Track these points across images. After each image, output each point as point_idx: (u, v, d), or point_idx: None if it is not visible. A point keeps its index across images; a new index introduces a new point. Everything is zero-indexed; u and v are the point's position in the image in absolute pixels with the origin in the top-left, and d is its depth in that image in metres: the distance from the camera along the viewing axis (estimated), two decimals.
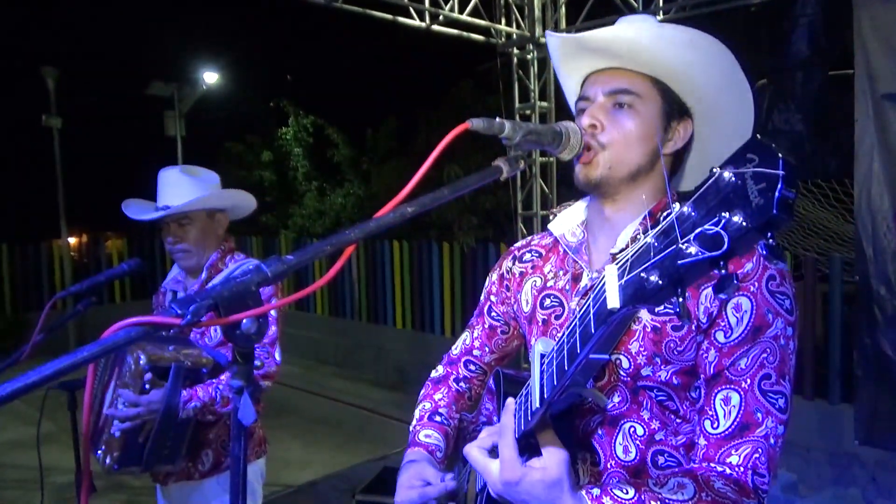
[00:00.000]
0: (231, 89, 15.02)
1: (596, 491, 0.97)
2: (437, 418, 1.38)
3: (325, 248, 0.76)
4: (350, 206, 11.86)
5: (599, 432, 1.14)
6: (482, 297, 1.45)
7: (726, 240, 0.61)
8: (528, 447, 0.97)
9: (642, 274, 0.66)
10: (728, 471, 1.02)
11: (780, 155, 0.60)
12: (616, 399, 1.13)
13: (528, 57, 5.86)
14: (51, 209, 10.34)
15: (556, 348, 0.88)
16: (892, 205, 3.49)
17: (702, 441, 1.07)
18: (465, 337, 1.48)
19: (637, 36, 1.12)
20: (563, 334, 0.85)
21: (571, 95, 1.29)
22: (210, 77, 12.95)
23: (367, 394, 7.35)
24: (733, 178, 0.62)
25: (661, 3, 4.95)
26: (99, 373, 2.21)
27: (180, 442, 2.07)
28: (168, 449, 2.04)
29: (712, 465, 1.04)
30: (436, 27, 5.57)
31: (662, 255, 0.65)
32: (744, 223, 0.60)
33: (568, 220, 1.28)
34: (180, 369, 1.98)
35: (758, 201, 0.60)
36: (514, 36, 5.82)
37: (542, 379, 0.90)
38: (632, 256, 0.69)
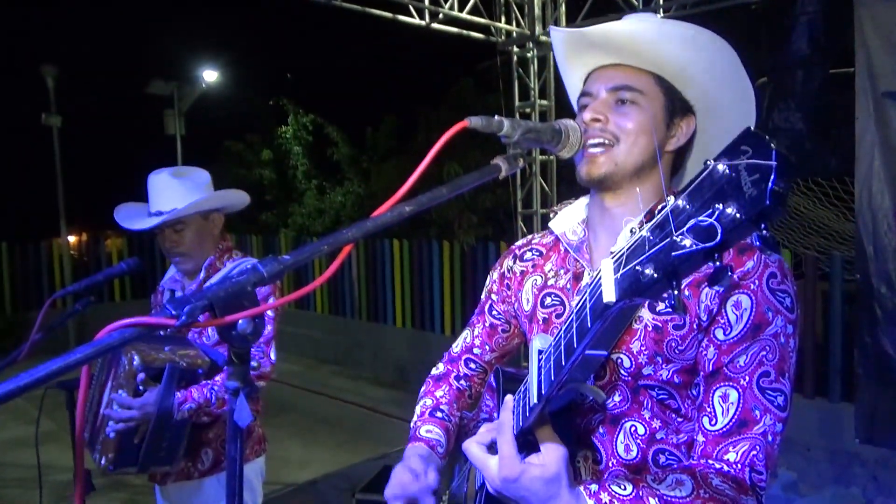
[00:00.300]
0: (231, 88, 15.02)
1: (594, 487, 0.96)
2: (439, 414, 1.38)
3: (323, 247, 0.75)
4: (350, 205, 11.85)
5: (600, 431, 1.14)
6: (483, 296, 1.45)
7: (720, 231, 0.61)
8: (527, 444, 0.97)
9: (637, 267, 0.66)
10: (726, 468, 1.02)
11: (773, 146, 0.60)
12: (617, 398, 1.13)
13: (528, 55, 5.85)
14: (50, 208, 10.35)
15: (553, 344, 0.88)
16: (893, 203, 3.48)
17: (700, 438, 1.06)
18: (466, 335, 1.48)
19: (639, 30, 1.12)
20: (561, 330, 0.84)
21: (574, 92, 1.29)
22: (210, 75, 12.94)
23: (367, 392, 7.36)
24: (727, 170, 0.62)
25: (661, 2, 4.94)
26: (96, 372, 2.20)
27: (177, 443, 2.06)
28: (164, 450, 2.03)
29: (710, 461, 1.03)
30: (435, 25, 5.56)
31: (657, 248, 0.65)
32: (737, 215, 0.60)
33: (569, 219, 1.28)
34: (174, 370, 1.96)
35: (751, 192, 0.60)
36: (514, 34, 5.81)
37: (539, 375, 0.90)
38: (627, 250, 0.69)
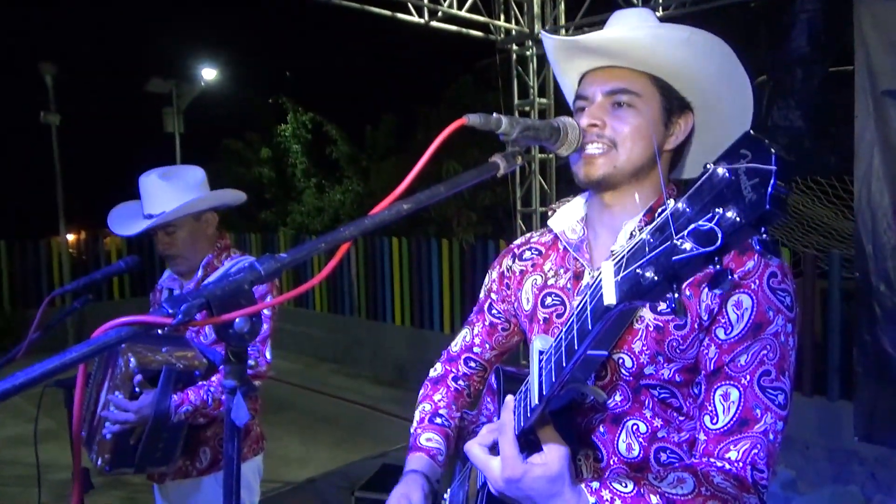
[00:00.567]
0: (230, 86, 14.99)
1: (595, 484, 0.97)
2: (438, 420, 1.38)
3: (320, 245, 0.75)
4: (349, 203, 11.85)
5: (602, 430, 1.14)
6: (482, 295, 1.45)
7: (720, 235, 0.61)
8: (528, 443, 0.97)
9: (638, 270, 0.67)
10: (727, 466, 1.02)
11: (772, 150, 0.60)
12: (618, 397, 1.13)
13: (528, 53, 5.85)
14: (49, 206, 10.33)
15: (554, 345, 0.88)
16: (892, 201, 3.48)
17: (701, 436, 1.07)
18: (465, 334, 1.47)
19: (633, 36, 1.11)
20: (562, 331, 0.85)
21: (570, 92, 1.29)
22: (209, 74, 12.91)
23: (366, 390, 7.36)
24: (727, 174, 0.62)
25: (660, 0, 4.94)
26: (94, 371, 2.19)
27: (174, 444, 2.05)
28: (161, 451, 2.02)
29: (712, 460, 1.04)
30: (434, 23, 5.55)
31: (657, 251, 0.65)
32: (737, 219, 0.60)
33: (567, 217, 1.28)
34: (171, 372, 1.95)
35: (751, 197, 0.60)
36: (513, 32, 5.81)
37: (540, 376, 0.91)
38: (627, 253, 0.70)
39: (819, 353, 4.63)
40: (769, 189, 0.58)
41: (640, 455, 1.12)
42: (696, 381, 1.11)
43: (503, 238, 7.22)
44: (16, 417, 5.72)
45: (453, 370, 1.47)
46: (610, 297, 0.69)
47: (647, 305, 1.08)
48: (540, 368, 0.91)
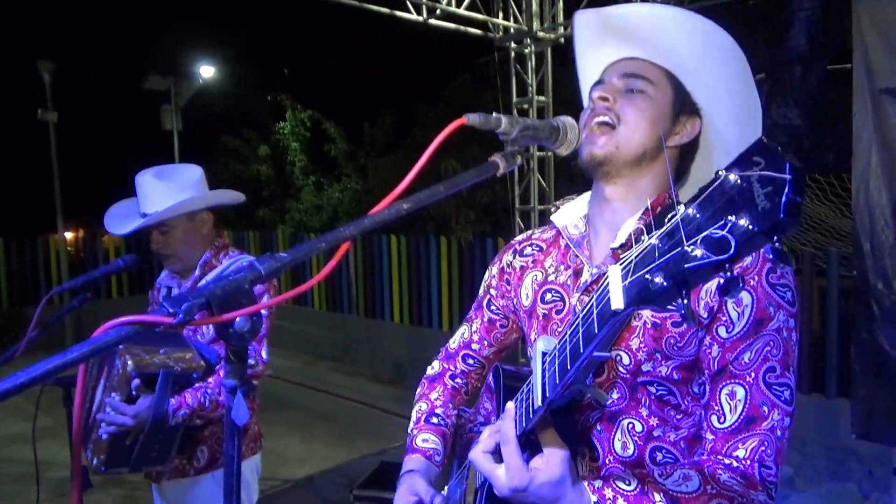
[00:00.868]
0: (228, 83, 14.98)
1: (598, 483, 0.97)
2: (434, 419, 1.38)
3: (320, 245, 0.75)
4: (347, 201, 11.85)
5: (598, 428, 1.14)
6: (481, 291, 1.45)
7: (733, 244, 0.60)
8: (529, 443, 0.97)
9: (647, 276, 0.66)
10: (735, 464, 1.02)
11: (787, 159, 0.60)
12: (615, 395, 1.13)
13: (526, 51, 5.84)
14: (47, 204, 10.32)
15: (558, 347, 0.88)
16: (890, 200, 3.48)
17: (709, 436, 1.07)
18: (464, 331, 1.47)
19: (661, 15, 1.14)
20: (566, 333, 0.85)
21: (587, 87, 1.28)
22: (207, 71, 12.90)
23: (365, 388, 7.36)
24: (739, 181, 0.62)
25: None
26: (90, 369, 2.19)
27: (170, 445, 2.04)
28: (157, 451, 2.01)
29: (719, 457, 1.04)
30: (433, 21, 5.55)
31: (667, 257, 0.65)
32: (750, 227, 0.60)
33: (571, 213, 1.28)
34: (168, 376, 1.93)
35: (764, 205, 0.59)
36: (512, 30, 5.80)
37: (544, 377, 0.90)
38: (636, 257, 0.69)
39: (817, 351, 4.64)
40: (784, 198, 0.58)
41: (635, 454, 1.12)
42: (694, 380, 1.11)
43: (502, 236, 7.23)
44: (14, 415, 5.72)
45: (451, 368, 1.47)
46: (617, 302, 0.69)
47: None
48: (543, 370, 0.91)
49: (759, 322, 1.05)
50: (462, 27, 5.78)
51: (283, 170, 12.93)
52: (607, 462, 1.13)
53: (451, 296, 7.44)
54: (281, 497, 4.51)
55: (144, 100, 12.50)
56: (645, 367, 1.10)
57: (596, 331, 0.75)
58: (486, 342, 1.44)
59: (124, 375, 1.93)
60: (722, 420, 1.05)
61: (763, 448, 1.02)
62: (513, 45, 5.88)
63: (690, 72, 1.16)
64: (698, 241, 0.62)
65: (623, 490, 0.96)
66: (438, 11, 5.47)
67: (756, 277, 1.06)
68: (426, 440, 1.34)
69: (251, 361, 2.07)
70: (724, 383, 1.06)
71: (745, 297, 1.05)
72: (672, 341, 1.09)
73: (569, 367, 0.83)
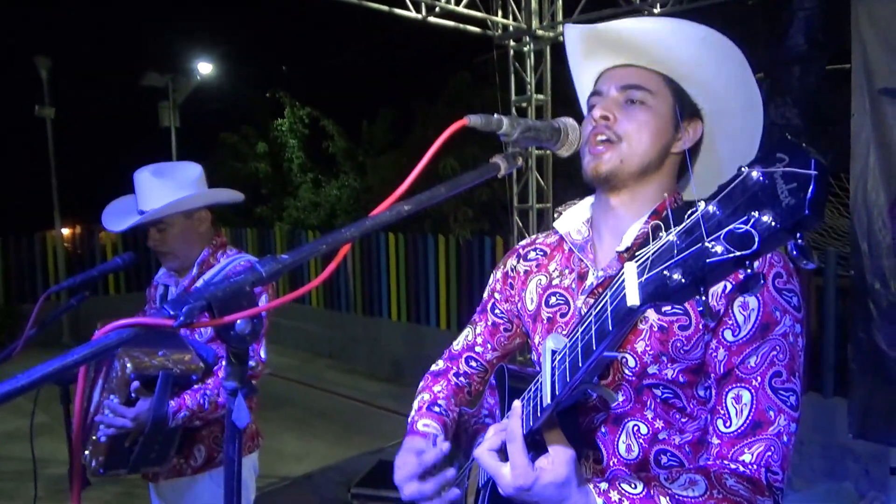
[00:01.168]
0: (226, 80, 14.94)
1: (604, 485, 0.96)
2: (436, 409, 1.38)
3: (321, 246, 0.75)
4: (345, 199, 11.83)
5: (603, 430, 1.14)
6: (485, 295, 1.45)
7: (757, 239, 0.60)
8: (535, 444, 0.97)
9: (665, 272, 0.65)
10: (741, 469, 1.02)
11: (811, 155, 0.59)
12: (620, 398, 1.13)
13: (525, 49, 5.83)
14: (44, 200, 10.30)
15: (568, 345, 0.87)
16: (888, 199, 3.49)
17: (715, 440, 1.06)
18: (468, 333, 1.48)
19: (653, 27, 1.12)
20: (577, 331, 0.84)
21: (584, 93, 1.29)
22: (205, 68, 12.86)
23: (363, 386, 7.36)
24: (762, 178, 0.61)
25: None
26: (88, 369, 2.18)
27: (169, 446, 2.04)
28: (156, 453, 2.00)
29: (725, 462, 1.03)
30: (432, 19, 5.54)
31: (686, 253, 0.64)
32: (773, 223, 0.59)
33: (573, 219, 1.28)
34: (168, 378, 1.93)
35: (788, 201, 0.59)
36: (511, 28, 5.80)
37: (553, 376, 0.90)
38: (652, 254, 0.68)
39: (814, 350, 4.65)
40: (809, 194, 0.57)
41: (640, 456, 1.12)
42: (700, 383, 1.11)
43: (500, 234, 7.22)
44: (11, 413, 5.70)
45: (455, 367, 1.47)
46: (633, 299, 0.68)
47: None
48: (553, 368, 0.90)
49: (766, 326, 1.04)
50: (461, 25, 5.77)
51: (281, 167, 12.91)
52: (611, 464, 1.13)
53: (448, 294, 7.44)
54: (278, 495, 4.51)
55: (142, 96, 12.46)
56: (651, 369, 1.10)
57: (610, 328, 0.74)
58: (489, 345, 1.44)
59: (123, 378, 1.92)
60: (728, 424, 1.04)
61: (770, 453, 1.02)
62: (512, 43, 5.87)
63: (689, 76, 1.15)
64: (720, 237, 0.62)
65: (629, 493, 0.96)
66: (437, 9, 5.46)
67: (763, 282, 1.06)
68: (427, 425, 1.34)
69: (252, 363, 2.07)
70: (730, 387, 1.06)
71: (751, 300, 1.05)
72: (678, 344, 1.08)
73: (580, 364, 0.82)
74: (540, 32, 5.69)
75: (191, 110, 12.73)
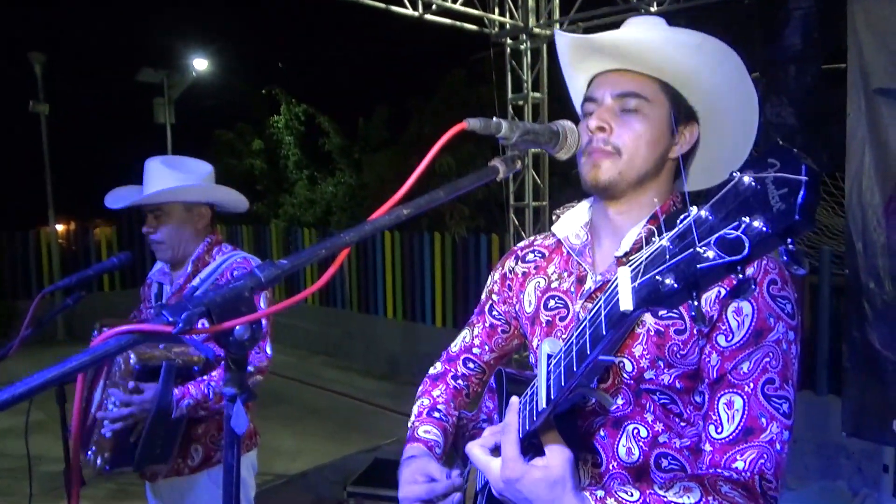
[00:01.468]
0: (221, 77, 14.88)
1: (600, 493, 0.96)
2: (436, 414, 1.38)
3: (321, 251, 0.75)
4: (341, 195, 11.80)
5: (602, 433, 1.14)
6: (483, 296, 1.45)
7: (747, 245, 0.60)
8: (532, 447, 0.96)
9: (657, 277, 0.66)
10: (735, 476, 1.01)
11: (802, 161, 0.59)
12: (620, 401, 1.13)
13: (522, 47, 5.83)
14: (38, 196, 10.26)
15: (563, 349, 0.87)
16: (883, 199, 3.50)
17: (707, 447, 1.06)
18: (465, 335, 1.47)
19: (647, 38, 1.11)
20: (573, 335, 0.84)
21: (577, 95, 1.28)
22: (200, 64, 12.82)
23: (359, 384, 7.37)
24: (753, 183, 0.61)
25: None
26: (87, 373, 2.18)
27: (172, 440, 2.05)
28: (160, 447, 2.02)
29: (719, 470, 1.03)
30: (429, 16, 5.53)
31: (679, 258, 0.65)
32: (764, 228, 0.59)
33: (571, 222, 1.28)
34: (171, 367, 1.95)
35: (779, 206, 0.59)
36: (508, 26, 5.79)
37: (548, 379, 0.90)
38: (646, 259, 0.69)
39: (808, 348, 4.67)
40: (799, 199, 0.58)
41: (640, 459, 1.11)
42: (697, 389, 1.11)
43: (496, 232, 7.22)
44: (6, 410, 5.68)
45: (452, 370, 1.47)
46: (627, 304, 0.69)
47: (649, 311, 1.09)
48: (549, 372, 0.90)
49: (759, 333, 1.04)
50: (457, 23, 5.76)
51: (276, 164, 12.87)
52: (611, 468, 1.13)
53: (444, 291, 7.45)
54: (275, 493, 4.51)
55: (137, 92, 12.42)
56: (647, 374, 1.10)
57: (604, 332, 0.74)
58: (487, 347, 1.44)
59: (128, 369, 1.94)
60: (720, 430, 1.04)
61: (762, 461, 1.01)
62: (508, 41, 5.87)
63: (686, 81, 1.15)
64: (711, 242, 0.62)
65: (625, 500, 0.95)
66: (434, 7, 5.44)
67: (757, 288, 1.05)
68: (427, 431, 1.34)
69: (261, 359, 2.09)
70: (722, 392, 1.05)
71: (745, 306, 1.05)
72: (675, 349, 1.08)
73: (575, 368, 0.82)
74: (537, 30, 5.68)
75: (186, 107, 12.70)
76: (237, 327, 0.68)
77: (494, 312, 1.41)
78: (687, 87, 1.15)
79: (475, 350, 1.45)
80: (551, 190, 5.98)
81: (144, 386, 1.95)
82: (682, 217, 0.66)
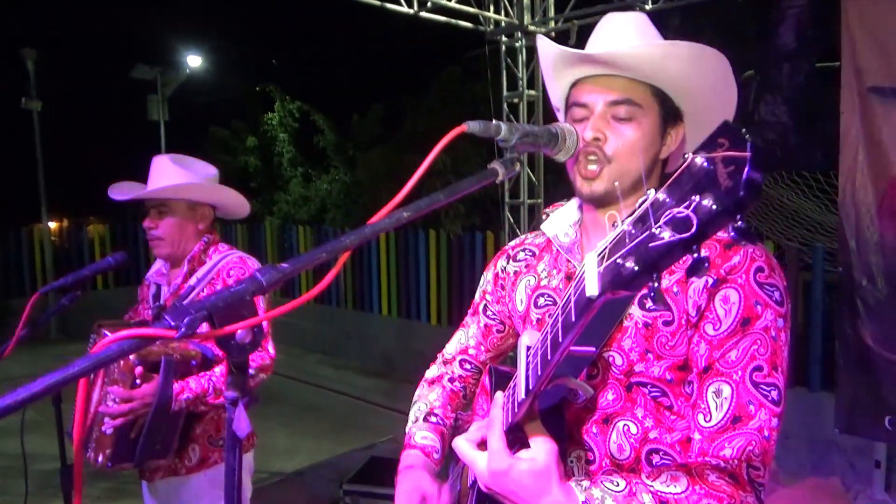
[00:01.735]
0: (216, 73, 14.84)
1: (585, 483, 0.96)
2: (433, 419, 1.39)
3: (321, 254, 0.75)
4: (336, 193, 11.78)
5: (593, 430, 1.15)
6: (477, 296, 1.45)
7: (695, 222, 0.62)
8: (517, 440, 0.97)
9: (619, 260, 0.67)
10: (722, 464, 1.02)
11: (747, 137, 0.61)
12: (610, 396, 1.14)
13: (517, 45, 5.83)
14: (31, 194, 10.21)
15: (540, 339, 0.88)
16: (876, 197, 3.52)
17: (696, 436, 1.06)
18: (460, 336, 1.48)
19: (644, 52, 1.11)
20: (547, 325, 0.85)
21: (558, 96, 1.28)
22: (194, 61, 12.77)
23: (354, 381, 7.37)
24: (705, 163, 0.63)
25: None
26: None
27: (172, 435, 2.06)
28: (160, 443, 2.03)
29: (707, 458, 1.03)
30: (423, 14, 5.52)
31: (637, 240, 0.66)
32: (713, 206, 0.61)
33: (561, 221, 1.28)
34: (171, 362, 1.96)
35: (727, 184, 0.61)
36: (503, 24, 5.78)
37: (527, 370, 0.91)
38: (609, 244, 0.70)
39: (801, 345, 4.70)
40: (744, 175, 0.59)
41: (631, 456, 1.12)
42: (687, 380, 1.11)
43: (491, 230, 7.23)
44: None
45: (448, 372, 1.48)
46: (592, 289, 0.70)
47: (637, 302, 1.10)
48: (527, 363, 0.91)
49: (747, 320, 1.05)
50: (452, 20, 5.75)
51: (271, 161, 12.84)
52: (603, 465, 1.13)
53: (439, 289, 7.45)
54: (270, 491, 4.51)
55: (131, 89, 12.36)
56: (637, 367, 1.11)
57: (573, 319, 0.75)
58: (482, 347, 1.44)
59: (127, 365, 1.95)
60: (708, 419, 1.05)
61: (750, 448, 1.01)
62: (503, 38, 5.86)
63: (676, 87, 1.15)
64: (664, 223, 0.64)
65: (611, 490, 0.96)
66: (429, 4, 5.43)
67: (744, 276, 1.06)
68: (425, 437, 1.35)
69: (263, 358, 2.10)
70: (710, 381, 1.06)
71: (732, 294, 1.05)
72: (663, 340, 1.09)
73: (549, 357, 0.83)
74: (532, 28, 5.68)
75: (180, 104, 12.66)
76: (239, 331, 0.69)
77: (488, 312, 1.42)
78: (678, 92, 1.16)
79: (470, 351, 1.45)
80: (546, 188, 5.99)
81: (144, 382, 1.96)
82: (640, 200, 0.68)
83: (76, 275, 2.02)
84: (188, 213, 2.24)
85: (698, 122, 1.20)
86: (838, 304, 3.76)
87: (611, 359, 1.12)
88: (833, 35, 3.93)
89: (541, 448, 0.93)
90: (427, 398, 1.43)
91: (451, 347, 1.49)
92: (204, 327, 0.68)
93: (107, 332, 2.09)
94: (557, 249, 1.27)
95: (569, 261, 1.23)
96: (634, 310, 1.11)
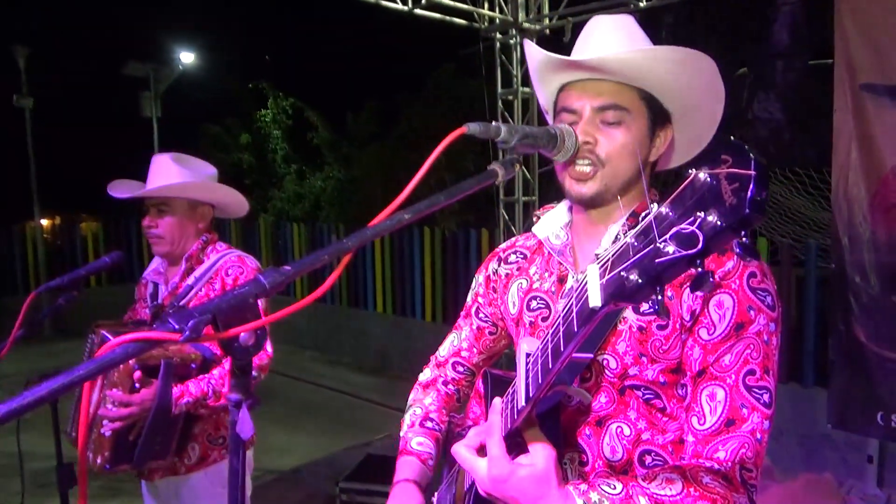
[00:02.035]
0: (209, 70, 14.76)
1: (583, 486, 0.98)
2: (429, 424, 1.39)
3: (323, 257, 0.75)
4: (330, 190, 11.78)
5: (587, 432, 1.16)
6: (469, 299, 1.46)
7: (701, 238, 0.63)
8: (516, 446, 0.98)
9: (622, 273, 0.68)
10: (716, 466, 1.04)
11: (752, 155, 0.62)
12: (603, 399, 1.15)
13: (511, 42, 5.83)
14: (23, 191, 10.15)
15: (540, 347, 0.89)
16: (869, 194, 3.54)
17: (690, 438, 1.08)
18: (453, 338, 1.48)
19: (632, 58, 1.12)
20: (548, 333, 0.86)
21: (547, 100, 1.28)
22: (187, 57, 12.71)
23: (348, 378, 7.37)
24: (708, 179, 0.64)
25: None
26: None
27: (171, 436, 2.06)
28: (159, 444, 2.03)
29: (700, 460, 1.05)
30: (418, 11, 5.51)
31: (641, 254, 0.67)
32: (718, 222, 0.62)
33: (552, 223, 1.29)
34: (170, 366, 1.96)
35: (731, 201, 0.61)
36: (497, 21, 5.78)
37: (527, 378, 0.92)
38: (612, 256, 0.71)
39: (794, 341, 4.72)
40: (749, 193, 0.60)
41: (624, 457, 1.13)
42: (680, 383, 1.13)
43: (485, 227, 7.24)
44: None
45: (442, 375, 1.48)
46: (595, 300, 0.71)
47: (631, 307, 1.11)
48: (527, 370, 0.92)
49: (740, 325, 1.07)
50: (447, 17, 5.75)
51: (264, 158, 12.83)
52: (596, 466, 1.15)
53: (434, 286, 7.45)
54: (267, 489, 4.51)
55: (123, 86, 12.31)
56: (632, 370, 1.12)
57: (576, 329, 0.76)
58: (475, 350, 1.45)
59: (127, 369, 1.94)
60: (702, 422, 1.06)
61: (743, 450, 1.04)
62: (498, 35, 5.86)
63: (664, 91, 1.16)
64: (669, 238, 0.65)
65: (609, 493, 0.97)
66: (424, 1, 5.43)
67: (737, 281, 1.08)
68: (421, 443, 1.35)
69: (259, 361, 2.10)
70: (704, 385, 1.08)
71: (725, 300, 1.07)
72: (657, 344, 1.10)
73: (550, 365, 0.84)
74: (526, 25, 5.69)
75: (173, 100, 12.59)
76: (242, 334, 0.69)
77: (481, 315, 1.42)
78: (666, 94, 1.17)
79: (463, 353, 1.46)
80: (541, 185, 6.00)
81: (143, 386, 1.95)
82: (643, 214, 0.69)
83: (72, 274, 2.02)
84: (188, 212, 2.24)
85: (687, 124, 1.22)
86: (831, 300, 3.79)
87: (605, 362, 1.13)
88: (826, 32, 3.95)
89: (540, 454, 0.94)
90: (422, 402, 1.44)
91: (443, 350, 1.49)
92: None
93: (105, 333, 2.08)
94: (549, 252, 1.27)
95: (560, 263, 1.24)
96: (629, 314, 1.12)
